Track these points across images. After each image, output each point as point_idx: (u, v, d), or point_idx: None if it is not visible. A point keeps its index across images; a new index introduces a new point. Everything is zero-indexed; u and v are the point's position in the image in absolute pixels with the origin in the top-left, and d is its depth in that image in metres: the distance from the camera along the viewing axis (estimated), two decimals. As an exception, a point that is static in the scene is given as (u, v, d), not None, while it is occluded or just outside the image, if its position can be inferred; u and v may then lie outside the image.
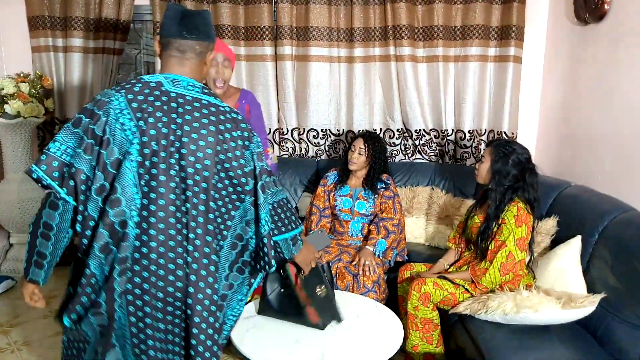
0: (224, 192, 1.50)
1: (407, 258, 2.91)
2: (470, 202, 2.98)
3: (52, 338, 2.70)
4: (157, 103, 1.45)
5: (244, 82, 3.55)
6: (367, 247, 2.74)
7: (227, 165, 1.48)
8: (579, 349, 1.97)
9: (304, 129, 3.65)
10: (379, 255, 2.73)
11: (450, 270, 2.48)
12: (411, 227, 3.18)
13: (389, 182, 2.91)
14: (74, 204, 1.42)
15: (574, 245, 2.27)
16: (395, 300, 2.62)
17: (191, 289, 1.45)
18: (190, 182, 1.44)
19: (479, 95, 3.49)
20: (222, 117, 1.50)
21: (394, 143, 3.64)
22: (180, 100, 1.47)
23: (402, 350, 2.16)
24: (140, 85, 1.47)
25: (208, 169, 1.46)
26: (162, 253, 1.44)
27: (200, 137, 1.45)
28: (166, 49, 1.52)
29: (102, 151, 1.40)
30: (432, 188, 3.36)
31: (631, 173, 2.46)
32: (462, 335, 2.25)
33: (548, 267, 2.29)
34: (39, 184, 1.42)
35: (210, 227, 1.47)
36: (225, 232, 1.52)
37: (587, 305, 2.02)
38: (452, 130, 3.58)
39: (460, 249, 2.58)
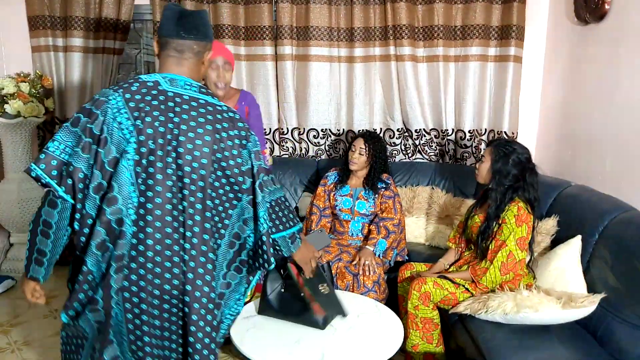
0: (221, 191, 1.51)
1: (407, 258, 2.91)
2: (470, 201, 2.98)
3: (52, 338, 2.70)
4: (154, 102, 1.46)
5: (244, 82, 3.55)
6: (367, 247, 2.74)
7: (224, 164, 1.49)
8: (579, 349, 1.97)
9: (304, 128, 3.65)
10: (379, 255, 2.73)
11: (450, 269, 2.48)
12: (411, 227, 3.18)
13: (389, 181, 2.91)
14: (72, 202, 1.44)
15: (574, 245, 2.27)
16: (395, 300, 2.62)
17: (189, 287, 1.46)
18: (187, 180, 1.45)
19: (479, 95, 3.49)
20: (219, 116, 1.51)
21: (394, 143, 3.64)
22: (178, 99, 1.48)
23: (402, 350, 2.16)
24: (137, 84, 1.48)
25: (205, 167, 1.47)
26: (158, 251, 1.45)
27: (197, 136, 1.46)
28: (164, 48, 1.54)
29: (99, 150, 1.41)
30: (433, 188, 3.36)
31: (631, 173, 2.46)
32: (463, 334, 2.25)
33: (548, 267, 2.29)
34: (39, 183, 1.43)
35: (207, 225, 1.48)
36: (222, 231, 1.54)
37: (587, 305, 2.02)
38: (453, 130, 3.58)
39: (460, 249, 2.58)
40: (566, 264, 2.23)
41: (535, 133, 3.54)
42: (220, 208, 1.52)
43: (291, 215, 1.67)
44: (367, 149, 2.85)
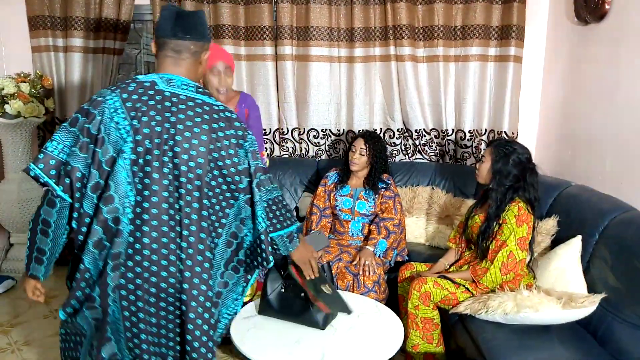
0: (217, 190, 1.52)
1: (407, 258, 2.91)
2: (470, 201, 2.98)
3: (52, 338, 2.70)
4: (151, 102, 1.47)
5: (245, 82, 3.55)
6: (367, 247, 2.74)
7: (220, 163, 1.50)
8: (579, 349, 1.97)
9: (304, 128, 3.65)
10: (379, 256, 2.73)
11: (450, 270, 2.48)
12: (411, 227, 3.18)
13: (389, 182, 2.91)
14: (70, 201, 1.46)
15: (575, 245, 2.27)
16: (395, 300, 2.62)
17: (186, 285, 1.48)
18: (183, 179, 1.46)
19: (480, 95, 3.49)
20: (215, 115, 1.52)
21: (394, 143, 3.64)
22: (174, 99, 1.50)
23: (403, 350, 2.16)
24: (135, 85, 1.50)
25: (201, 166, 1.48)
26: (155, 249, 1.46)
27: (193, 136, 1.47)
28: (162, 49, 1.55)
29: (97, 149, 1.43)
30: (433, 188, 3.36)
31: (632, 173, 2.46)
32: (463, 335, 2.25)
33: (548, 267, 2.29)
34: (37, 182, 1.46)
35: (204, 224, 1.49)
36: (220, 230, 1.55)
37: (587, 305, 2.02)
38: (453, 130, 3.58)
39: (460, 249, 2.58)
40: (566, 264, 2.23)
41: (536, 133, 3.54)
42: (217, 207, 1.53)
43: (288, 215, 1.68)
44: (367, 149, 2.85)
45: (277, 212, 1.64)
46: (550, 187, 2.69)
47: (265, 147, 3.61)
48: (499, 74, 3.43)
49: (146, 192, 1.45)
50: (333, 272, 2.69)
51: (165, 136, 1.46)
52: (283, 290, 2.11)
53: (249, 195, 1.55)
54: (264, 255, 1.58)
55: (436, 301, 2.29)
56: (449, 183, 3.39)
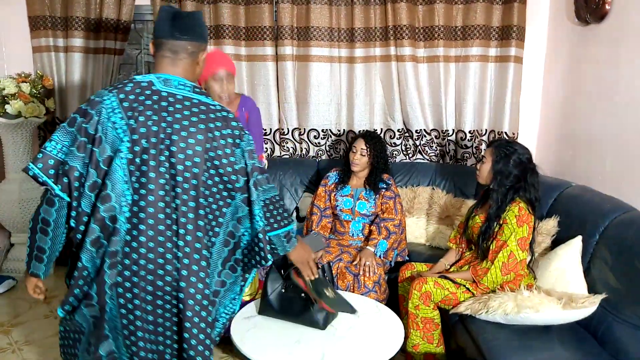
0: (214, 189, 1.53)
1: (407, 258, 2.91)
2: (470, 202, 2.98)
3: (52, 338, 2.70)
4: (148, 102, 1.49)
5: (245, 82, 3.56)
6: (368, 247, 2.74)
7: (216, 162, 1.51)
8: (579, 349, 1.97)
9: (304, 129, 3.65)
10: (380, 256, 2.73)
11: (451, 270, 2.48)
12: (412, 227, 3.18)
13: (390, 182, 2.91)
14: (68, 200, 1.48)
15: (575, 245, 2.27)
16: (396, 300, 2.62)
17: (183, 284, 1.49)
18: (179, 179, 1.48)
19: (480, 95, 3.49)
20: (212, 115, 1.53)
21: (394, 143, 3.64)
22: (171, 99, 1.51)
23: (403, 350, 2.16)
24: (132, 85, 1.51)
25: (198, 166, 1.49)
26: (151, 248, 1.48)
27: (189, 135, 1.48)
28: (159, 49, 1.56)
29: (94, 149, 1.45)
30: (433, 188, 3.36)
31: (632, 173, 2.46)
32: (463, 335, 2.25)
33: (549, 267, 2.29)
34: (36, 181, 1.47)
35: (200, 223, 1.51)
36: (217, 229, 1.56)
37: (587, 306, 2.02)
38: (453, 130, 3.58)
39: (461, 249, 2.58)
40: (567, 265, 2.23)
41: (536, 133, 3.54)
42: (214, 206, 1.54)
43: (285, 214, 1.68)
44: (368, 149, 2.85)
45: (275, 212, 1.65)
46: (550, 188, 2.69)
47: (265, 148, 3.62)
48: (500, 74, 3.43)
49: (143, 191, 1.47)
50: (333, 272, 2.69)
51: (161, 135, 1.47)
52: (283, 291, 2.12)
53: (246, 195, 1.56)
54: (262, 254, 1.59)
55: (437, 301, 2.29)
56: (449, 183, 3.39)
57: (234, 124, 1.56)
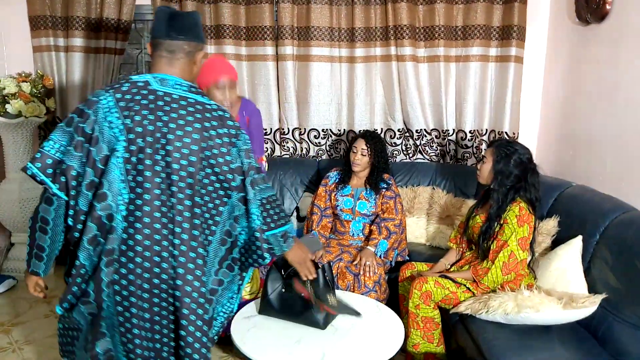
0: (210, 188, 1.54)
1: (408, 258, 2.91)
2: (471, 202, 2.98)
3: (52, 337, 2.69)
4: (144, 101, 1.50)
5: (245, 82, 3.56)
6: (368, 247, 2.74)
7: (212, 161, 1.52)
8: (579, 349, 1.97)
9: (305, 128, 3.65)
10: (380, 256, 2.73)
11: (451, 269, 2.48)
12: (412, 227, 3.18)
13: (390, 182, 2.91)
14: (66, 198, 1.49)
15: (575, 245, 2.27)
16: (396, 300, 2.62)
17: (179, 282, 1.50)
18: (175, 177, 1.49)
19: (480, 95, 3.49)
20: (208, 114, 1.54)
21: (395, 143, 3.64)
22: (167, 98, 1.52)
23: (403, 349, 2.16)
24: (128, 84, 1.53)
25: (193, 165, 1.50)
26: (147, 246, 1.49)
27: (185, 134, 1.49)
28: (156, 49, 1.57)
29: (91, 148, 1.47)
30: (433, 188, 3.36)
31: (632, 173, 2.46)
32: (463, 335, 2.25)
33: (549, 267, 2.29)
34: (35, 180, 1.49)
35: (196, 221, 1.52)
36: (213, 228, 1.57)
37: (588, 306, 2.02)
38: (453, 130, 3.58)
39: (461, 249, 2.58)
40: (567, 265, 2.24)
41: (536, 133, 3.54)
42: (211, 205, 1.55)
43: (282, 214, 1.69)
44: (368, 149, 2.85)
45: (271, 212, 1.65)
46: (551, 188, 2.69)
47: (266, 148, 3.62)
48: (500, 74, 3.43)
49: (139, 190, 1.48)
50: (334, 272, 2.69)
51: (157, 134, 1.48)
52: (284, 290, 2.12)
53: (243, 194, 1.57)
54: (259, 252, 1.60)
55: (437, 300, 2.29)
56: (449, 183, 3.39)
57: (230, 123, 1.56)
